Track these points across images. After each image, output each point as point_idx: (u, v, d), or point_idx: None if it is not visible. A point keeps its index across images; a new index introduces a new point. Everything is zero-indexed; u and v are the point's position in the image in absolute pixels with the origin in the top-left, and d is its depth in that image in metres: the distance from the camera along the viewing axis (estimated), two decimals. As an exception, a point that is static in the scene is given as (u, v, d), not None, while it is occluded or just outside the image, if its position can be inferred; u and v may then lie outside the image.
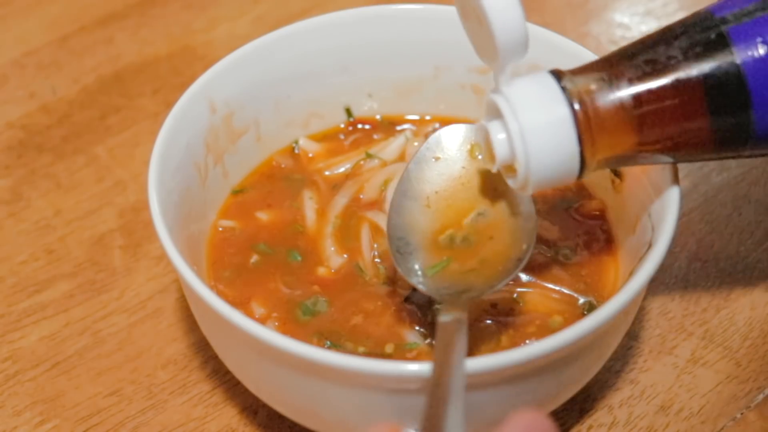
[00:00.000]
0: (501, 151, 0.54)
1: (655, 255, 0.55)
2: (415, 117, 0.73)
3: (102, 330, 0.68)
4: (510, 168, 0.55)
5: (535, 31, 0.67)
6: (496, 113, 0.55)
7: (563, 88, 0.53)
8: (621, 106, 0.53)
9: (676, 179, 0.58)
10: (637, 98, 0.53)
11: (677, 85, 0.53)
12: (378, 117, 0.73)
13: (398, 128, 0.72)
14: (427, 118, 0.73)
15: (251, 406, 0.64)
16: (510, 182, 0.56)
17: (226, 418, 0.63)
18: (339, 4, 0.79)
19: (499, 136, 0.54)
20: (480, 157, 0.60)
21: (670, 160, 0.56)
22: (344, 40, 0.70)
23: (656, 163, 0.57)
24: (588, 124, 0.53)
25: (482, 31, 0.53)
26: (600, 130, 0.53)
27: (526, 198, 0.59)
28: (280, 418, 0.62)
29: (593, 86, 0.53)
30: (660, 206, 0.59)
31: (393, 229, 0.59)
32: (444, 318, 0.53)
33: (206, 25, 0.90)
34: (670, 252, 0.69)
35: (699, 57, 0.53)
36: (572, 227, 0.66)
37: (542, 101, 0.53)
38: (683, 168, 0.76)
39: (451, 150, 0.61)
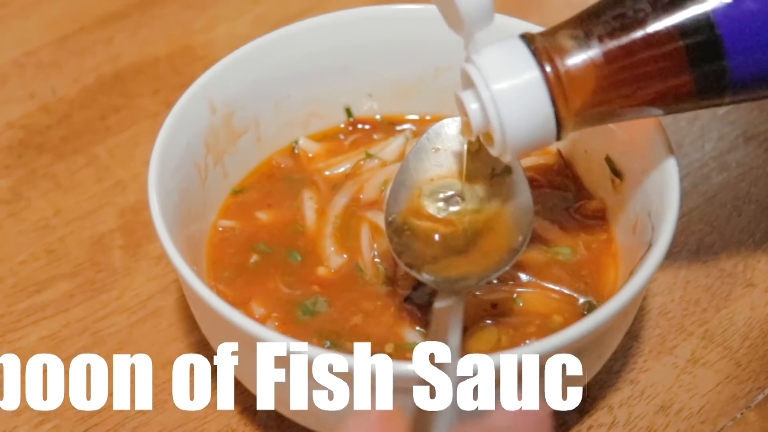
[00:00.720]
0: (475, 120, 0.54)
1: (655, 255, 0.55)
2: (415, 117, 0.73)
3: (102, 330, 0.68)
4: (489, 136, 0.55)
5: (535, 31, 0.67)
6: (469, 83, 0.54)
7: (533, 51, 0.53)
8: (592, 64, 0.52)
9: (676, 179, 0.58)
10: (608, 55, 0.52)
11: (647, 38, 0.52)
12: (378, 117, 0.73)
13: (398, 128, 0.72)
14: (427, 118, 0.73)
15: (251, 406, 0.64)
16: (490, 150, 0.56)
17: (226, 418, 0.63)
18: (339, 4, 0.79)
19: (472, 106, 0.54)
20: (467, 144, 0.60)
21: (651, 112, 0.55)
22: (344, 40, 0.70)
23: (636, 118, 0.56)
24: (560, 85, 0.52)
25: (447, 1, 0.53)
26: (573, 90, 0.52)
27: (523, 190, 0.59)
28: (280, 418, 0.62)
29: (563, 46, 0.53)
30: (660, 206, 0.59)
31: (392, 219, 0.59)
32: (439, 304, 0.53)
33: (206, 25, 0.90)
34: (670, 252, 0.69)
35: (668, 7, 0.52)
36: (572, 227, 0.66)
37: (512, 66, 0.53)
38: (683, 168, 0.76)
39: (451, 141, 0.61)
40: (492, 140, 0.55)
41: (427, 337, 0.50)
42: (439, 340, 0.49)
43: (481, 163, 0.61)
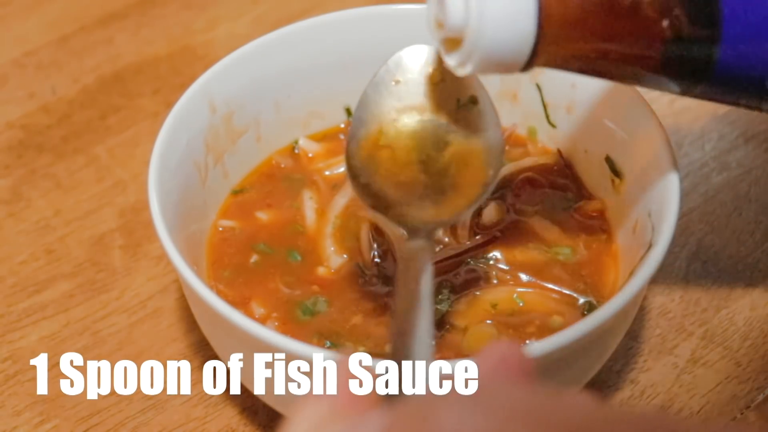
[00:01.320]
0: (454, 15, 0.51)
1: (655, 255, 0.55)
2: (415, 117, 0.73)
3: (102, 330, 0.68)
4: (454, 42, 0.52)
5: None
6: None
7: None
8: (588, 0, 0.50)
9: (676, 179, 0.58)
10: None
11: None
12: (378, 117, 0.73)
13: (398, 128, 0.72)
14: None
15: (251, 406, 0.64)
16: (449, 59, 0.53)
17: (226, 418, 0.63)
18: (339, 4, 0.79)
19: None
20: (437, 62, 0.58)
21: (617, 76, 0.53)
22: (344, 40, 0.70)
23: (603, 77, 0.54)
24: (550, 11, 0.49)
25: None
26: (561, 20, 0.50)
27: (492, 122, 0.57)
28: (281, 418, 0.62)
29: None
30: (660, 206, 0.59)
31: (352, 158, 0.57)
32: (408, 244, 0.51)
33: (206, 25, 0.89)
34: (670, 252, 0.69)
35: None
36: (572, 227, 0.66)
37: None
38: (683, 168, 0.76)
39: (412, 73, 0.59)
40: (456, 46, 0.52)
41: (396, 281, 0.48)
42: (409, 286, 0.47)
43: (445, 94, 0.59)
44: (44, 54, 0.87)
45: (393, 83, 0.59)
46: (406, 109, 0.59)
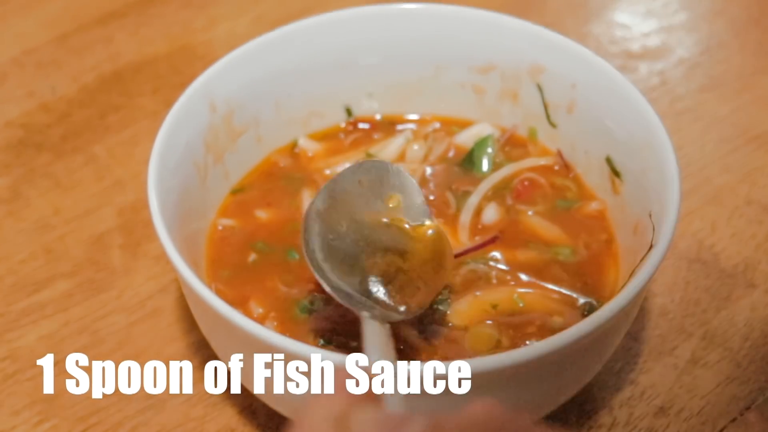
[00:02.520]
0: None
1: (656, 256, 0.55)
2: (415, 117, 0.73)
3: (101, 329, 0.68)
4: None
5: (535, 31, 0.67)
6: None
7: None
8: None
9: (676, 180, 0.58)
10: None
11: None
12: (378, 117, 0.73)
13: (398, 128, 0.72)
14: (428, 118, 0.73)
15: (251, 406, 0.64)
16: None
17: (225, 418, 0.63)
18: (339, 4, 0.79)
19: None
20: (392, 205, 0.60)
21: None
22: (344, 39, 0.70)
23: None
24: None
25: None
26: None
27: (442, 239, 0.59)
28: (280, 418, 0.62)
29: None
30: (660, 207, 0.59)
31: (312, 243, 0.57)
32: (368, 322, 0.53)
33: (206, 25, 0.89)
34: (671, 252, 0.69)
35: None
36: (572, 227, 0.66)
37: None
38: (683, 169, 0.76)
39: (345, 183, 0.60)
40: None
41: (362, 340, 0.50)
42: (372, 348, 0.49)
43: (370, 197, 0.60)
44: (44, 53, 0.87)
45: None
46: (361, 218, 0.60)
